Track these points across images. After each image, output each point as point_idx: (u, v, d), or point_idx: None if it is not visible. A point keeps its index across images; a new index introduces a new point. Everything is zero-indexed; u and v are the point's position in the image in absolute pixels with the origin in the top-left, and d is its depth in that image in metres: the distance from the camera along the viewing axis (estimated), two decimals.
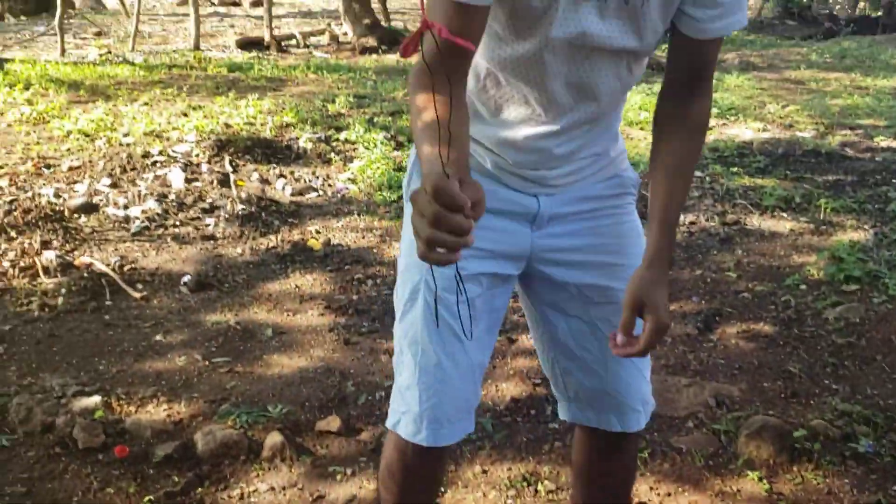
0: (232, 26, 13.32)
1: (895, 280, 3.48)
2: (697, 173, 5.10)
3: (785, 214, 4.46)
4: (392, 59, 10.22)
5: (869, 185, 4.88)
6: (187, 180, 4.71)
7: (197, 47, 10.24)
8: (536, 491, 2.28)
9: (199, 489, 2.25)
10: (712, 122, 6.35)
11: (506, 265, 1.46)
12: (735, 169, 5.11)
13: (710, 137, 5.91)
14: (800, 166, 5.28)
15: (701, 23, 1.26)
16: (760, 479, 2.33)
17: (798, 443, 2.45)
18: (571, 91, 1.32)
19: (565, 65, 1.28)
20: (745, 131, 6.07)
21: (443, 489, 2.29)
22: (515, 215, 1.44)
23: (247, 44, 10.90)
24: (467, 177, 1.03)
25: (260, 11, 12.66)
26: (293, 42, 11.31)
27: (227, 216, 4.28)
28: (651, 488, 2.32)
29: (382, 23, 11.97)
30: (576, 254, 1.48)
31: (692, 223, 4.34)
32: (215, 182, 4.72)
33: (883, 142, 5.86)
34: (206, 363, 2.94)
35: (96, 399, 2.59)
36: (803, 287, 3.56)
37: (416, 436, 1.43)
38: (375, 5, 12.37)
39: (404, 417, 1.45)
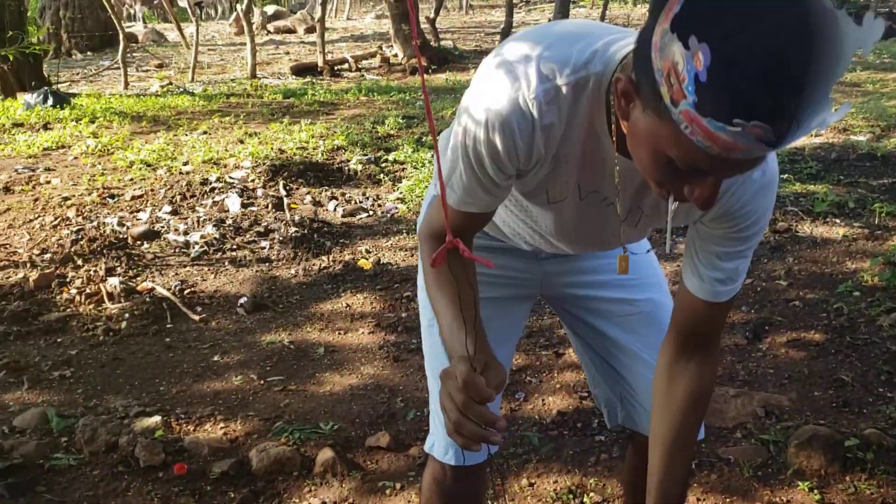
0: (287, 53, 13.66)
1: None
2: None
3: (838, 220, 4.39)
4: (441, 78, 10.35)
5: None
6: (243, 205, 4.86)
7: (253, 75, 10.54)
8: (582, 503, 2.30)
9: None
10: None
11: (520, 289, 1.54)
12: (786, 175, 5.03)
13: None
14: (854, 171, 5.18)
15: (704, 282, 1.25)
16: (811, 490, 2.31)
17: (850, 452, 2.42)
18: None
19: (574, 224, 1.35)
20: None
21: (489, 503, 2.33)
22: (522, 250, 1.53)
23: (301, 70, 11.17)
24: (492, 358, 1.12)
25: (314, 37, 12.95)
26: (345, 66, 11.55)
27: (281, 239, 4.41)
28: (698, 499, 2.32)
29: (432, 43, 12.12)
30: (586, 275, 1.55)
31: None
32: (270, 206, 4.86)
33: None
34: (262, 382, 3.04)
35: (157, 419, 2.70)
36: (857, 294, 3.50)
37: (444, 456, 1.50)
38: (425, 26, 12.54)
39: (436, 440, 1.52)
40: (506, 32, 12.30)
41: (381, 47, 12.62)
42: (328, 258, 4.24)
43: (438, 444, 1.52)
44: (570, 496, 2.33)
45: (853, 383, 2.83)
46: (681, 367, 1.33)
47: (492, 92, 1.08)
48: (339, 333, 3.45)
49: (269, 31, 17.21)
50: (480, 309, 1.48)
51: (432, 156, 5.67)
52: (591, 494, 2.33)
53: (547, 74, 1.06)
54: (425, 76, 10.59)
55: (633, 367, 1.55)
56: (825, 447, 2.42)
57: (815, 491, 2.30)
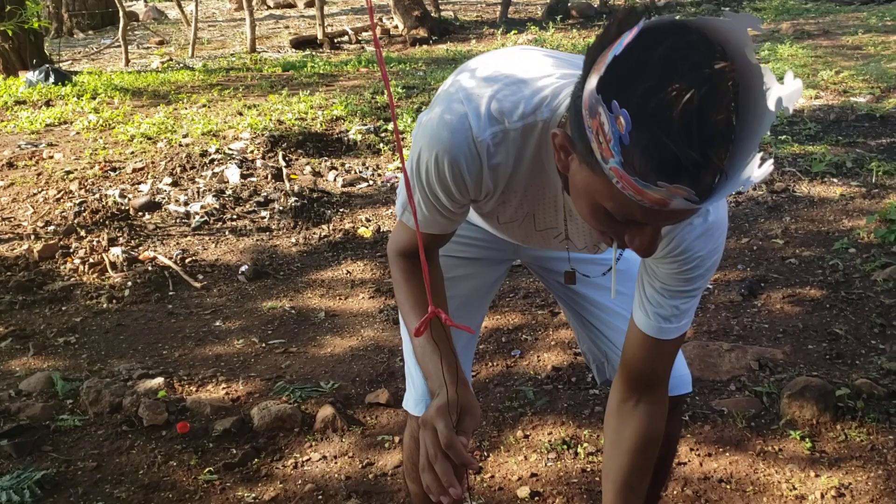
0: (287, 27, 13.60)
1: None
2: None
3: (835, 180, 4.40)
4: (442, 48, 10.31)
5: None
6: (243, 176, 4.89)
7: (253, 49, 10.52)
8: (576, 454, 2.35)
9: (256, 460, 2.39)
10: None
11: (497, 252, 1.57)
12: (784, 137, 5.04)
13: None
14: (852, 131, 5.18)
15: (650, 318, 1.26)
16: (803, 438, 2.35)
17: (841, 401, 2.45)
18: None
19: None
20: None
21: (486, 453, 2.38)
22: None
23: (301, 43, 11.14)
24: (468, 395, 1.17)
25: (314, 11, 12.89)
26: (345, 38, 11.51)
27: (281, 208, 4.44)
28: (691, 449, 2.36)
29: (432, 13, 12.07)
30: None
31: (738, 193, 4.32)
32: (269, 176, 4.89)
33: None
34: (263, 345, 3.09)
35: (160, 380, 2.76)
36: (852, 250, 3.52)
37: (415, 409, 1.53)
38: None
39: (411, 396, 1.55)
40: (507, 3, 12.23)
41: (380, 19, 12.56)
42: (328, 227, 4.27)
43: (412, 399, 1.55)
44: (565, 446, 2.38)
45: (847, 336, 2.86)
46: (629, 407, 1.35)
47: (443, 129, 1.11)
48: (340, 299, 3.49)
49: (269, 6, 17.12)
50: (458, 267, 1.52)
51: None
52: (585, 445, 2.38)
53: (496, 117, 1.09)
54: (426, 46, 10.55)
55: (612, 323, 1.57)
56: (817, 397, 2.46)
57: (807, 439, 2.34)
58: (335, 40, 11.26)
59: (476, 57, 1.24)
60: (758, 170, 0.82)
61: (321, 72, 8.49)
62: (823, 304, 3.10)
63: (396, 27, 11.72)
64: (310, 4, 15.50)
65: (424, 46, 10.64)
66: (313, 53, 10.38)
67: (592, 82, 0.85)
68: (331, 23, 12.50)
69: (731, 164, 0.84)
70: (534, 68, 1.14)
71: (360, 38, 11.51)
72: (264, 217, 4.39)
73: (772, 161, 0.84)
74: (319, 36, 11.10)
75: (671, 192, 0.82)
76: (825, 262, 3.44)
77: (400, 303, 1.31)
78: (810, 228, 3.83)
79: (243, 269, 3.76)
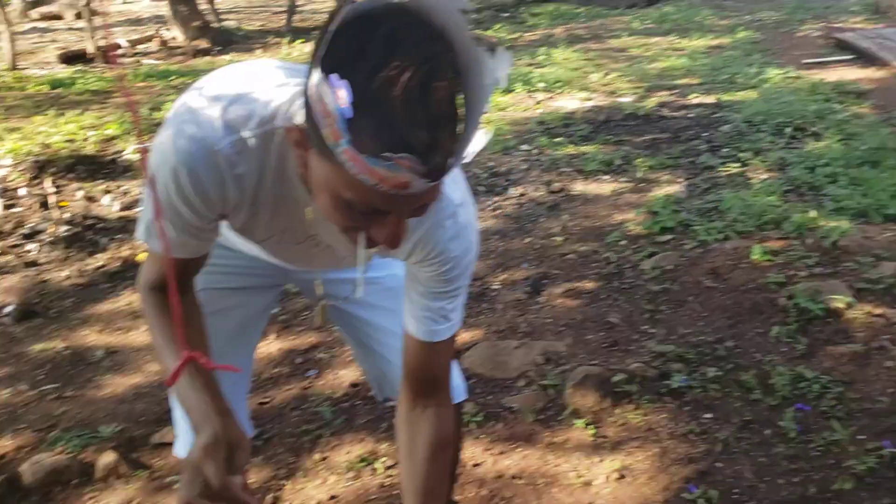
0: (54, 41, 12.67)
1: (704, 226, 3.74)
2: (524, 147, 5.29)
3: (606, 177, 4.70)
4: (226, 59, 10.02)
5: (682, 141, 5.21)
6: (6, 207, 4.49)
7: (14, 66, 9.68)
8: (374, 469, 2.34)
9: None
10: (539, 96, 6.58)
11: (264, 279, 1.53)
12: (559, 139, 5.33)
13: (537, 112, 6.14)
14: (620, 130, 5.56)
15: (419, 322, 1.28)
16: (587, 426, 2.47)
17: (618, 387, 2.61)
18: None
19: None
20: (570, 102, 6.33)
21: (283, 481, 2.32)
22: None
23: (70, 58, 10.40)
24: (233, 427, 1.13)
25: (84, 23, 12.09)
26: (120, 52, 10.88)
27: (50, 239, 4.11)
28: (486, 449, 2.42)
29: (213, 24, 11.70)
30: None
31: (522, 195, 4.51)
32: (36, 205, 4.51)
33: (696, 98, 6.26)
34: (34, 392, 2.84)
35: None
36: (623, 242, 3.77)
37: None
38: (205, 7, 12.06)
39: (181, 442, 1.47)
40: (291, 10, 12.07)
41: (157, 31, 12.00)
42: (104, 256, 4.01)
43: (184, 446, 1.47)
44: (363, 463, 2.36)
45: (621, 324, 3.06)
46: (417, 414, 1.36)
47: (176, 148, 1.06)
48: (120, 333, 3.28)
49: (32, 18, 15.87)
50: (222, 298, 1.46)
51: None
52: (384, 459, 2.37)
53: (232, 127, 1.06)
54: (209, 57, 10.21)
55: (384, 341, 1.57)
56: (597, 385, 2.61)
57: (591, 426, 2.47)
58: (109, 54, 10.61)
59: (204, 76, 1.20)
60: (476, 142, 0.86)
61: (93, 88, 7.97)
62: (599, 296, 3.30)
63: (175, 38, 11.24)
64: (80, 16, 14.53)
65: (207, 57, 10.29)
66: (84, 69, 9.72)
67: (318, 64, 0.85)
68: (104, 35, 11.77)
69: (457, 140, 0.87)
70: (265, 80, 1.11)
71: (136, 51, 10.94)
72: (31, 250, 4.04)
73: (487, 130, 0.89)
74: (90, 49, 10.43)
75: (397, 163, 0.83)
76: (600, 256, 3.66)
77: (153, 340, 1.24)
78: (586, 224, 4.06)
79: (8, 309, 3.45)
